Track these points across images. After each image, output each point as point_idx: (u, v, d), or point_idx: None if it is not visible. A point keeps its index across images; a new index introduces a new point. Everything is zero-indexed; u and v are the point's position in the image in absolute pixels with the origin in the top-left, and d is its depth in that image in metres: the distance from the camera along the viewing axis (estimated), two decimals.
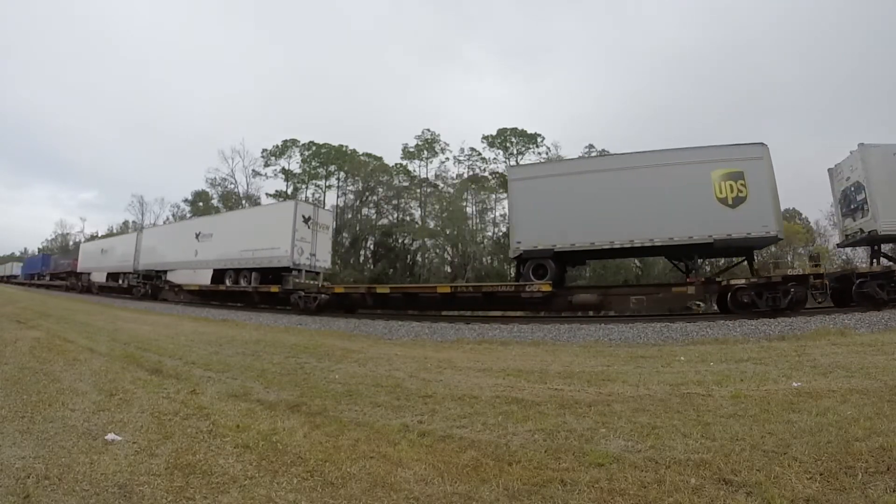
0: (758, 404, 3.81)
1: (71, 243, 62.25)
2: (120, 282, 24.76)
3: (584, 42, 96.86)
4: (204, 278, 18.51)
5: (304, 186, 45.29)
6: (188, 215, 46.72)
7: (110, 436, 3.34)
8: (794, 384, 4.43)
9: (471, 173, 42.27)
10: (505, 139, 42.45)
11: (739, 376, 4.89)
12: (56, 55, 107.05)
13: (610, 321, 10.53)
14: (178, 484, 2.59)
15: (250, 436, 3.40)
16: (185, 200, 48.17)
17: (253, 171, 45.18)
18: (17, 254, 79.88)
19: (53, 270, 37.94)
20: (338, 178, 45.37)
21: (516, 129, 42.28)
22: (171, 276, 20.82)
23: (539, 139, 42.02)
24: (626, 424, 3.49)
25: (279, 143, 45.65)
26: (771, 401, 3.88)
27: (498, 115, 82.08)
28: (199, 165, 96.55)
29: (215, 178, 45.23)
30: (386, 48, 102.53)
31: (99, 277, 26.72)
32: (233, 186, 45.33)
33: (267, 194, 44.82)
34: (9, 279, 52.46)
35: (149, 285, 22.18)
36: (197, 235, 19.36)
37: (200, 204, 45.90)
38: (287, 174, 45.53)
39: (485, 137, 42.87)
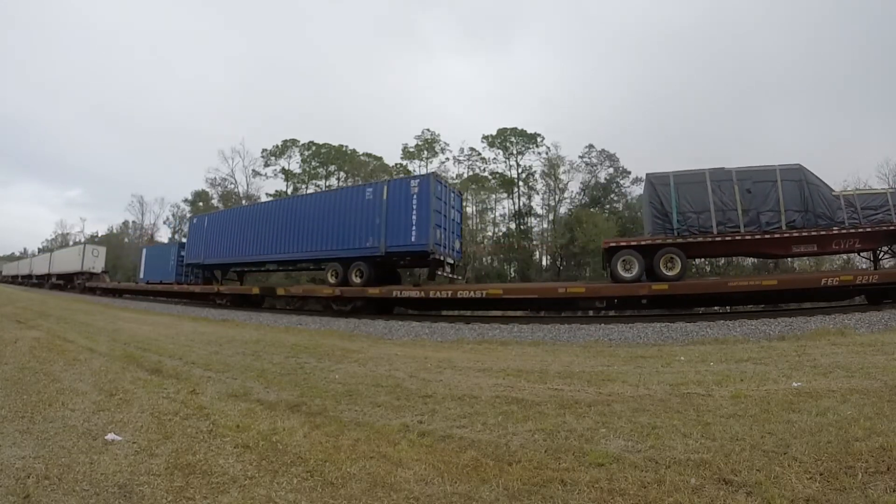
0: (758, 404, 3.81)
1: (71, 243, 60.29)
2: None
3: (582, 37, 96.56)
4: None
5: (303, 186, 45.33)
6: (188, 216, 46.68)
7: (110, 436, 3.35)
8: (794, 384, 4.43)
9: (471, 173, 42.33)
10: (505, 139, 42.49)
11: (739, 376, 4.89)
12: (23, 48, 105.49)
13: (610, 321, 10.52)
14: (178, 484, 2.60)
15: (250, 436, 3.40)
16: (185, 200, 48.26)
17: (253, 170, 45.27)
18: (17, 254, 64.10)
19: None
20: (338, 178, 45.39)
21: (516, 129, 42.36)
22: None
23: (539, 139, 42.10)
24: (626, 424, 3.49)
25: (279, 143, 45.78)
26: (771, 401, 3.88)
27: (490, 108, 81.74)
28: (188, 164, 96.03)
29: (215, 178, 45.32)
30: (383, 46, 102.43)
31: None
32: (233, 186, 45.41)
33: (267, 194, 44.93)
34: (80, 281, 28.79)
35: None
36: None
37: (200, 204, 45.92)
38: (287, 174, 45.59)
39: (485, 137, 42.95)
